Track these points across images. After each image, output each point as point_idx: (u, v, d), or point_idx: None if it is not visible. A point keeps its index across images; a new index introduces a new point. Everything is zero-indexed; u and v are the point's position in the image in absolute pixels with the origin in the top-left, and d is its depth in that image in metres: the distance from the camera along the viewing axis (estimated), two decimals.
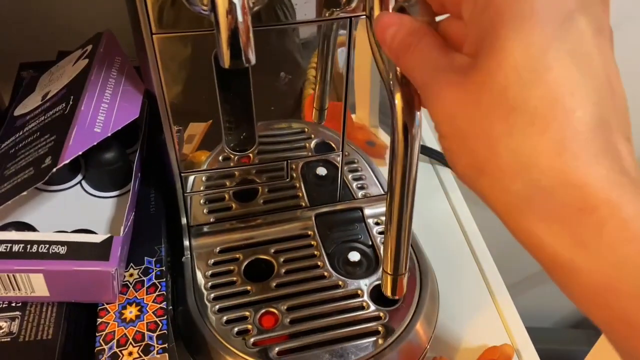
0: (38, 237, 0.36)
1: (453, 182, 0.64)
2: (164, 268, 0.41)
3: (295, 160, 0.47)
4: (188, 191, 0.46)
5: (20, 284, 0.36)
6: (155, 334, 0.37)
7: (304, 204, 0.51)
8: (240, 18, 0.29)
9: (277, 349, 0.41)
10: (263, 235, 0.49)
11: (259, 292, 0.45)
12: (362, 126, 0.48)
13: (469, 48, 0.23)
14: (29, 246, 0.36)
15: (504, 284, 0.53)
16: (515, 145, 0.20)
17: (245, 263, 0.47)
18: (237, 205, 0.49)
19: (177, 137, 0.42)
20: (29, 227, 0.39)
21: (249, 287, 0.45)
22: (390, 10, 0.29)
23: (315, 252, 0.48)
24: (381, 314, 0.44)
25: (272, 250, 0.48)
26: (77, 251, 0.36)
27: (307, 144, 0.47)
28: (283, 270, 0.46)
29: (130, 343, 0.37)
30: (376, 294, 0.45)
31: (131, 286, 0.40)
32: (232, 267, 0.46)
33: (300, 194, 0.50)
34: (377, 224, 0.51)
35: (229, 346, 0.41)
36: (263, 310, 0.43)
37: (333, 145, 0.47)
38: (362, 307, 0.44)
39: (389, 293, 0.34)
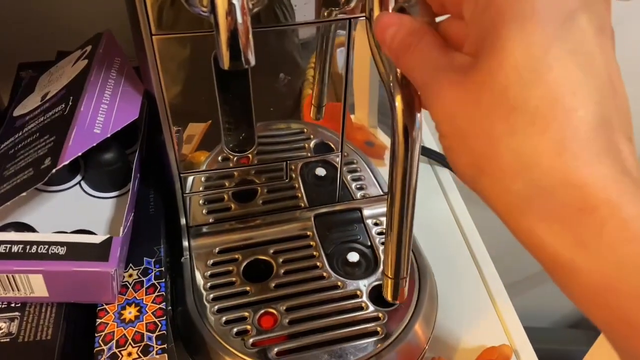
0: (37, 238, 0.37)
1: (452, 183, 0.64)
2: (163, 268, 0.41)
3: (294, 161, 0.47)
4: (187, 192, 0.46)
5: (19, 285, 0.36)
6: (154, 335, 0.37)
7: (303, 205, 0.51)
8: (239, 19, 0.29)
9: (276, 349, 0.41)
10: (262, 235, 0.49)
11: (258, 292, 0.45)
12: (361, 127, 0.49)
13: (470, 48, 0.23)
14: (28, 247, 0.36)
15: (502, 284, 0.54)
16: (515, 144, 0.20)
17: (245, 263, 0.47)
18: (237, 206, 0.49)
19: (177, 137, 0.42)
20: (29, 228, 0.39)
21: (248, 288, 0.45)
22: (390, 11, 0.29)
23: (315, 253, 0.48)
24: (380, 315, 0.44)
25: (271, 251, 0.48)
26: (76, 252, 0.36)
27: (306, 145, 0.47)
28: (282, 271, 0.46)
29: (130, 343, 0.37)
30: (375, 294, 0.45)
31: (130, 287, 0.40)
32: (231, 268, 0.46)
33: (300, 195, 0.50)
34: (376, 224, 0.51)
35: (228, 347, 0.41)
36: (262, 311, 0.43)
37: (332, 145, 0.47)
38: (361, 308, 0.44)
39: (390, 297, 0.34)
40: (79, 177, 0.44)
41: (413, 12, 0.27)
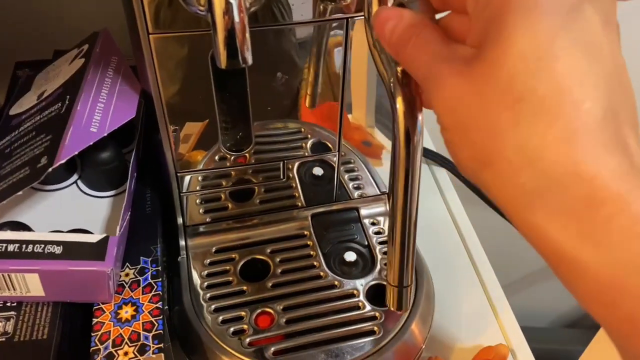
0: (33, 237, 0.36)
1: (449, 182, 0.64)
2: (159, 268, 0.41)
3: (291, 160, 0.47)
4: (184, 191, 0.46)
5: (15, 284, 0.36)
6: (151, 334, 0.37)
7: (300, 204, 0.51)
8: (236, 18, 0.29)
9: (272, 348, 0.41)
10: (259, 235, 0.49)
11: (255, 292, 0.45)
12: (358, 126, 0.49)
13: (473, 40, 0.22)
14: (24, 246, 0.36)
15: (499, 283, 0.54)
16: (521, 136, 0.20)
17: (241, 263, 0.47)
18: (233, 205, 0.49)
19: (173, 137, 0.42)
20: (25, 227, 0.39)
21: (245, 287, 0.45)
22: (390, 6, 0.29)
23: (312, 252, 0.48)
24: (377, 314, 0.44)
25: (268, 250, 0.48)
26: (72, 251, 0.36)
27: (304, 144, 0.47)
28: (279, 270, 0.46)
29: (126, 343, 0.37)
30: (372, 294, 0.45)
31: (127, 286, 0.40)
32: (228, 267, 0.46)
33: (297, 194, 0.50)
34: (373, 224, 0.51)
35: (224, 346, 0.41)
36: (259, 310, 0.43)
37: (329, 145, 0.47)
38: (358, 307, 0.44)
39: (393, 307, 0.32)
40: (75, 176, 0.43)
41: (412, 8, 0.27)
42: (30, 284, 0.36)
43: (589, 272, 0.19)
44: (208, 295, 0.44)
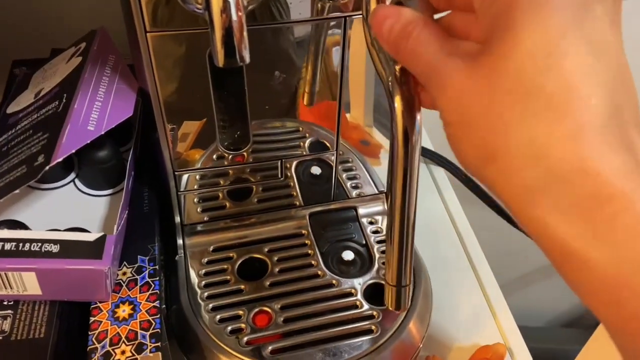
0: (30, 236, 0.36)
1: (447, 182, 0.64)
2: (157, 267, 0.41)
3: (289, 159, 0.47)
4: (182, 190, 0.46)
5: (12, 283, 0.36)
6: (148, 333, 0.37)
7: (298, 203, 0.51)
8: (234, 17, 0.29)
9: (270, 347, 0.41)
10: (257, 234, 0.49)
11: (252, 291, 0.45)
12: (356, 125, 0.49)
13: (479, 35, 0.22)
14: (21, 244, 0.36)
15: (496, 283, 0.54)
16: (528, 131, 0.20)
17: (239, 262, 0.47)
18: (231, 204, 0.48)
19: (171, 135, 0.42)
20: (22, 226, 0.39)
21: (242, 286, 0.45)
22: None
23: (309, 251, 0.48)
24: (374, 313, 0.44)
25: (266, 249, 0.48)
26: (69, 250, 0.36)
27: (302, 143, 0.47)
28: (277, 269, 0.46)
29: (123, 342, 0.37)
30: (370, 292, 0.45)
31: (124, 285, 0.40)
32: (225, 266, 0.46)
33: (295, 193, 0.50)
34: (371, 223, 0.51)
35: (222, 345, 0.41)
36: (257, 309, 0.43)
37: (327, 144, 0.47)
38: (355, 306, 0.44)
39: (392, 306, 0.32)
40: (72, 175, 0.43)
41: (412, 4, 0.26)
42: (27, 283, 0.36)
43: (593, 269, 0.19)
44: (205, 294, 0.44)
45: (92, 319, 0.38)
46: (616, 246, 0.19)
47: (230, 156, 0.45)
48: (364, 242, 0.49)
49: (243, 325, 0.42)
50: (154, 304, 0.39)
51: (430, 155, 0.65)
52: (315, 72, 0.42)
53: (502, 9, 0.21)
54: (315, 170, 0.49)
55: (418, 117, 0.27)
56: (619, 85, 0.20)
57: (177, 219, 0.48)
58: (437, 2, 0.26)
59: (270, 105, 0.43)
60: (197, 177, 0.46)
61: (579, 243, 0.19)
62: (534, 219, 0.20)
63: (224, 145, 0.44)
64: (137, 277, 0.40)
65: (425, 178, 0.64)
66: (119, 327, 0.37)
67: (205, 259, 0.47)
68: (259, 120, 0.43)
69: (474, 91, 0.21)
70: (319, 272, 0.46)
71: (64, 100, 0.41)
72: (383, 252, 0.48)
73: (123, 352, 0.36)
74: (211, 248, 0.48)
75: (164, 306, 0.40)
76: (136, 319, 0.38)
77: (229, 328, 0.42)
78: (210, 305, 0.43)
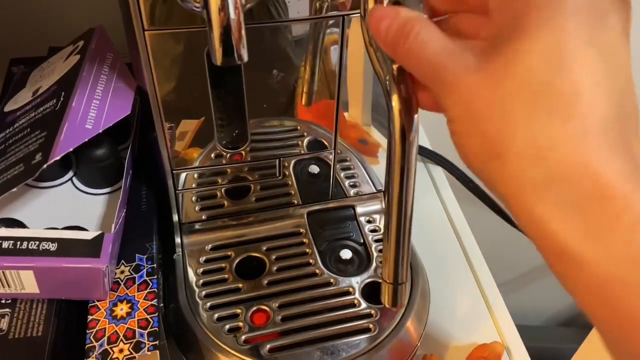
0: (28, 234, 0.36)
1: (445, 181, 0.64)
2: (155, 265, 0.41)
3: (287, 158, 0.47)
4: (180, 188, 0.46)
5: (10, 281, 0.36)
6: (146, 331, 0.37)
7: (296, 202, 0.51)
8: (232, 15, 0.29)
9: (268, 346, 0.41)
10: (255, 232, 0.49)
11: (250, 289, 0.45)
12: (354, 124, 0.49)
13: (491, 31, 0.23)
14: (19, 243, 0.36)
15: (494, 281, 0.54)
16: (535, 129, 0.20)
17: (237, 261, 0.47)
18: (229, 203, 0.48)
19: (169, 134, 0.42)
20: (19, 224, 0.39)
21: (240, 285, 0.45)
22: (385, 4, 0.29)
23: (307, 250, 0.48)
24: (372, 312, 0.44)
25: (264, 248, 0.48)
26: (67, 248, 0.36)
27: (300, 142, 0.47)
28: (275, 268, 0.46)
29: (121, 340, 0.37)
30: (367, 291, 0.45)
31: (122, 283, 0.40)
32: (223, 265, 0.46)
33: (293, 192, 0.50)
34: (369, 222, 0.51)
35: (220, 343, 0.41)
36: (254, 308, 0.43)
37: (325, 143, 0.47)
38: (353, 305, 0.44)
39: (388, 303, 0.33)
40: (70, 173, 0.43)
41: (409, 3, 0.27)
42: (24, 281, 0.36)
43: (589, 266, 0.20)
44: (203, 292, 0.44)
45: (90, 317, 0.38)
46: (612, 245, 0.19)
47: (228, 155, 0.45)
48: (361, 240, 0.49)
49: (241, 324, 0.42)
50: (152, 302, 0.39)
51: (428, 155, 0.66)
52: (314, 71, 0.42)
53: (519, 9, 0.21)
54: (313, 169, 0.49)
55: (415, 115, 0.27)
56: (625, 94, 0.21)
57: (175, 218, 0.48)
58: (444, 4, 0.26)
59: (269, 104, 0.43)
60: (195, 175, 0.46)
61: (577, 240, 0.20)
62: (534, 216, 0.21)
63: (222, 144, 0.44)
64: (135, 275, 0.40)
65: (423, 177, 0.64)
66: (116, 326, 0.37)
67: (203, 258, 0.47)
68: (257, 119, 0.43)
69: (482, 87, 0.22)
70: (317, 271, 0.46)
71: (62, 99, 0.41)
72: (381, 250, 0.48)
73: (121, 351, 0.36)
74: (209, 247, 0.48)
75: (161, 305, 0.40)
76: (134, 318, 0.38)
77: (227, 326, 0.42)
78: (208, 304, 0.43)
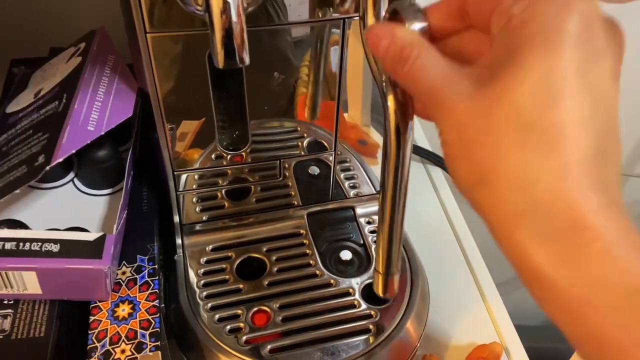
0: (31, 235, 0.37)
1: (443, 181, 0.64)
2: (156, 266, 0.41)
3: (288, 159, 0.47)
4: (181, 189, 0.46)
5: (12, 282, 0.36)
6: (148, 332, 0.37)
7: (296, 203, 0.51)
8: (234, 18, 0.29)
9: (269, 346, 0.41)
10: (255, 233, 0.49)
11: (251, 290, 0.45)
12: (354, 125, 0.49)
13: (490, 59, 0.23)
14: (21, 244, 0.36)
15: (493, 282, 0.54)
16: (521, 159, 0.22)
17: (238, 261, 0.47)
18: (230, 204, 0.49)
19: (170, 135, 0.42)
20: (22, 225, 0.39)
21: (241, 286, 0.45)
22: (383, 12, 0.29)
23: (307, 251, 0.48)
24: (372, 313, 0.44)
25: (264, 249, 0.48)
26: (70, 249, 0.36)
27: (300, 143, 0.47)
28: (275, 269, 0.46)
29: (123, 341, 0.37)
30: (367, 292, 0.45)
31: (124, 284, 0.40)
32: (224, 266, 0.47)
33: (293, 193, 0.50)
34: (368, 223, 0.51)
35: (221, 344, 0.41)
36: (255, 309, 0.43)
37: (325, 144, 0.48)
38: (353, 306, 0.44)
39: (380, 292, 0.34)
40: (72, 175, 0.44)
41: (407, 14, 0.27)
42: (27, 282, 0.36)
43: (563, 290, 0.21)
44: (204, 293, 0.44)
45: (91, 318, 0.38)
46: (583, 271, 0.21)
47: (229, 156, 0.45)
48: (361, 241, 0.50)
49: (242, 325, 0.42)
50: (154, 303, 0.39)
51: (427, 155, 0.66)
52: (317, 86, 0.43)
53: (520, 41, 0.22)
54: (314, 170, 0.49)
55: (410, 114, 0.28)
56: (608, 134, 0.22)
57: (176, 219, 0.48)
58: (453, 17, 0.26)
59: (269, 106, 0.43)
60: (196, 177, 0.46)
61: (551, 267, 0.21)
62: (514, 242, 0.22)
63: (223, 146, 0.44)
64: (136, 276, 0.40)
65: (422, 178, 0.65)
66: (118, 326, 0.38)
67: (204, 259, 0.47)
68: (257, 120, 0.44)
69: (475, 115, 0.23)
70: (317, 272, 0.46)
71: (64, 100, 0.41)
72: None
73: (123, 351, 0.36)
74: (210, 247, 0.48)
75: (162, 305, 0.40)
76: (136, 318, 0.38)
77: (228, 327, 0.42)
78: (209, 305, 0.44)
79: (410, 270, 0.48)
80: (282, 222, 0.50)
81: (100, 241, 0.37)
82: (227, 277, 0.46)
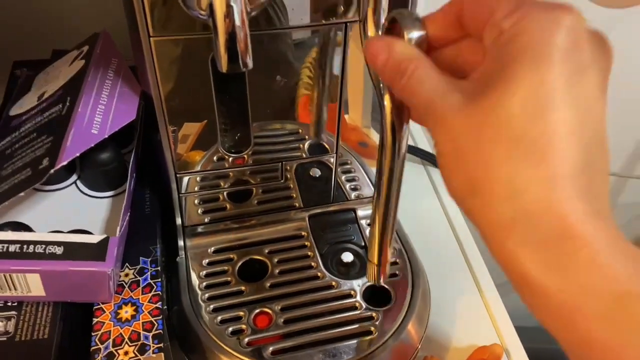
0: (35, 238, 0.37)
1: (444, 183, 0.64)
2: (159, 268, 0.41)
3: (289, 162, 0.47)
4: (183, 192, 0.46)
5: (16, 284, 0.36)
6: (151, 334, 0.38)
7: (297, 205, 0.51)
8: (238, 23, 0.30)
9: (271, 348, 0.41)
10: (257, 235, 0.49)
11: (253, 292, 0.45)
12: (354, 127, 0.49)
13: (482, 73, 0.24)
14: (25, 246, 0.36)
15: (493, 283, 0.54)
16: (511, 171, 0.22)
17: (240, 263, 0.47)
18: (232, 206, 0.49)
19: (173, 137, 0.42)
20: (25, 227, 0.39)
21: (243, 287, 0.45)
22: (383, 20, 0.29)
23: (309, 253, 0.48)
24: (374, 314, 0.44)
25: (266, 251, 0.48)
26: (73, 251, 0.36)
27: (301, 145, 0.47)
28: (277, 271, 0.47)
29: (126, 342, 0.37)
30: (369, 294, 0.46)
31: (127, 286, 0.40)
32: (226, 268, 0.47)
33: (294, 195, 0.50)
34: (369, 225, 0.51)
35: (223, 346, 0.41)
36: (257, 310, 0.44)
37: (327, 147, 0.48)
38: (355, 308, 0.45)
39: (375, 281, 0.35)
40: (74, 177, 0.44)
41: (406, 22, 0.27)
42: (31, 284, 0.36)
43: (553, 296, 0.22)
44: (206, 295, 0.45)
45: (95, 320, 0.38)
46: (571, 278, 0.21)
47: (231, 158, 0.45)
48: (363, 244, 0.50)
49: (244, 326, 0.43)
50: (156, 305, 0.39)
51: (428, 157, 0.66)
52: (319, 89, 0.43)
53: (508, 56, 0.23)
54: (315, 172, 0.49)
55: (405, 113, 0.29)
56: (595, 145, 0.23)
57: (178, 221, 0.48)
58: (451, 26, 0.27)
59: (272, 109, 0.44)
60: (198, 179, 0.46)
61: (541, 273, 0.22)
62: (505, 250, 0.23)
63: (225, 148, 0.44)
64: (139, 278, 0.41)
65: (423, 179, 0.65)
66: (121, 328, 0.38)
67: (206, 261, 0.47)
68: (259, 123, 0.44)
69: (467, 129, 0.23)
70: (319, 274, 0.47)
71: (68, 104, 0.41)
72: None
73: (126, 353, 0.37)
74: (212, 249, 0.48)
75: (165, 307, 0.41)
76: (139, 320, 0.38)
77: (230, 329, 0.42)
78: (211, 307, 0.44)
79: (412, 272, 0.48)
80: (283, 224, 0.50)
81: (103, 243, 0.37)
82: (229, 279, 0.46)
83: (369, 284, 0.46)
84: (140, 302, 0.39)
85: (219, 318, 0.43)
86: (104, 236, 0.38)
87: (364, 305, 0.45)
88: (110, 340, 0.37)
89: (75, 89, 0.42)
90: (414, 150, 0.66)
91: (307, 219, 0.51)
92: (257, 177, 0.48)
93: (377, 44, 0.27)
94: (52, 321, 0.37)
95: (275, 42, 0.40)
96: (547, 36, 0.22)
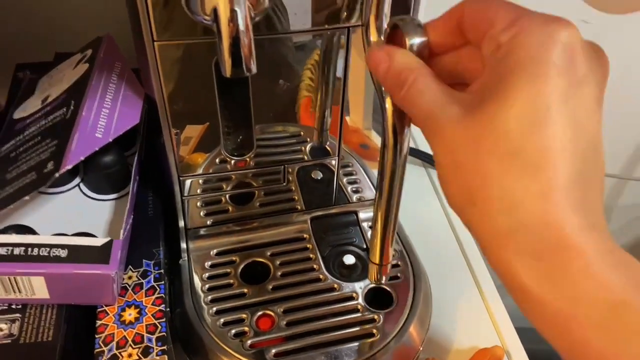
0: (39, 240, 0.37)
1: None
2: (162, 271, 0.42)
3: (292, 165, 0.48)
4: (186, 194, 0.46)
5: (21, 287, 0.36)
6: (154, 336, 0.38)
7: (299, 208, 0.51)
8: (242, 28, 0.30)
9: (273, 350, 0.42)
10: (259, 238, 0.50)
11: (255, 294, 0.45)
12: (356, 129, 0.49)
13: (479, 85, 0.24)
14: (29, 249, 0.36)
15: (494, 285, 0.54)
16: (507, 183, 0.23)
17: (242, 266, 0.47)
18: (234, 209, 0.49)
19: (176, 140, 0.42)
20: (29, 230, 0.39)
21: (245, 290, 0.45)
22: (385, 25, 0.30)
23: (311, 255, 0.49)
24: (375, 317, 0.44)
25: (269, 253, 0.48)
26: (77, 254, 0.37)
27: (304, 148, 0.47)
28: (279, 273, 0.47)
29: (130, 345, 0.37)
30: (371, 296, 0.46)
31: (130, 289, 0.40)
32: (228, 270, 0.47)
33: (296, 198, 0.51)
34: (371, 227, 0.51)
35: (226, 348, 0.42)
36: (259, 313, 0.44)
37: (329, 149, 0.48)
38: (356, 310, 0.45)
39: (376, 281, 0.36)
40: (77, 179, 0.44)
41: (407, 29, 0.27)
42: (35, 287, 0.36)
43: (547, 305, 0.22)
44: (209, 297, 0.45)
45: (98, 322, 0.38)
46: (566, 287, 0.22)
47: (234, 161, 0.45)
48: (364, 246, 0.50)
49: (246, 329, 0.43)
50: (160, 307, 0.39)
51: (429, 159, 0.66)
52: (322, 92, 0.43)
53: (505, 70, 0.23)
54: (317, 174, 0.50)
55: (407, 116, 0.29)
56: (590, 158, 0.23)
57: (181, 223, 0.48)
58: (444, 38, 0.27)
59: (274, 112, 0.44)
60: (201, 181, 0.46)
61: (536, 284, 0.23)
62: (502, 260, 0.23)
63: (228, 151, 0.45)
64: (142, 281, 0.41)
65: (424, 181, 0.65)
66: (125, 331, 0.38)
67: (209, 263, 0.47)
68: (262, 126, 0.44)
69: (465, 141, 0.24)
70: (321, 276, 0.47)
71: (72, 107, 0.41)
72: None
73: (130, 355, 0.37)
74: (214, 252, 0.48)
75: (168, 309, 0.41)
76: (142, 323, 0.39)
77: (233, 331, 0.43)
78: (214, 309, 0.44)
79: (413, 274, 0.48)
80: (285, 226, 0.51)
81: (107, 246, 0.38)
82: (232, 281, 0.46)
83: (371, 286, 0.46)
84: (144, 304, 0.40)
85: (222, 320, 0.43)
86: (108, 239, 0.38)
87: (366, 307, 0.45)
88: (114, 343, 0.37)
89: (79, 92, 0.42)
90: (415, 152, 0.66)
91: (309, 221, 0.51)
92: (259, 180, 0.48)
93: (378, 54, 0.27)
94: (56, 324, 0.37)
95: (277, 46, 0.40)
96: (544, 51, 0.23)
